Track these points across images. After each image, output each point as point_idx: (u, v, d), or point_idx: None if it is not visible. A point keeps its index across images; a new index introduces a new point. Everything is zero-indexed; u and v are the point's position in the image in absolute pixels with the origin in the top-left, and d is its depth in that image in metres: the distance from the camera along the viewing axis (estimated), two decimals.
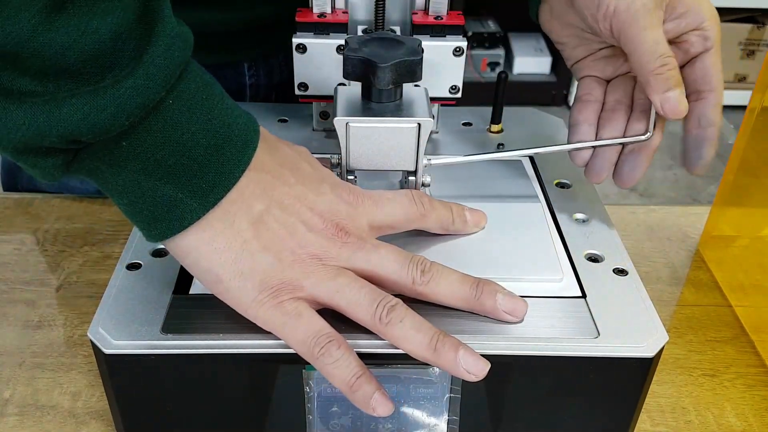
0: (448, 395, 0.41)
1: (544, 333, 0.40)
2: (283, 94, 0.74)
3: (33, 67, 0.32)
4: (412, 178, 0.47)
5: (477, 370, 0.37)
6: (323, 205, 0.40)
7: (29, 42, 0.31)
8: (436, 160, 0.48)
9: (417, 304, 0.40)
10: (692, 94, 0.47)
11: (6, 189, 0.73)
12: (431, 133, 0.50)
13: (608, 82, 0.51)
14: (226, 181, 0.37)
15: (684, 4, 0.45)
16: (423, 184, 0.48)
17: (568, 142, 0.50)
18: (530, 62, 2.58)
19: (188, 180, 0.36)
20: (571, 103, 2.70)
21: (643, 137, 0.47)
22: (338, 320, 0.39)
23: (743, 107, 0.57)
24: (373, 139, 0.44)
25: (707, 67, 0.46)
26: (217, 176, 0.37)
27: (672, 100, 0.43)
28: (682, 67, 0.47)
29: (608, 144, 0.48)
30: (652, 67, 0.43)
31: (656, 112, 0.45)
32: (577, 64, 0.52)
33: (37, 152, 0.34)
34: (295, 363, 0.38)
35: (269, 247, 0.38)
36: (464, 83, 0.54)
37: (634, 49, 0.44)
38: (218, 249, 0.38)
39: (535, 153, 0.49)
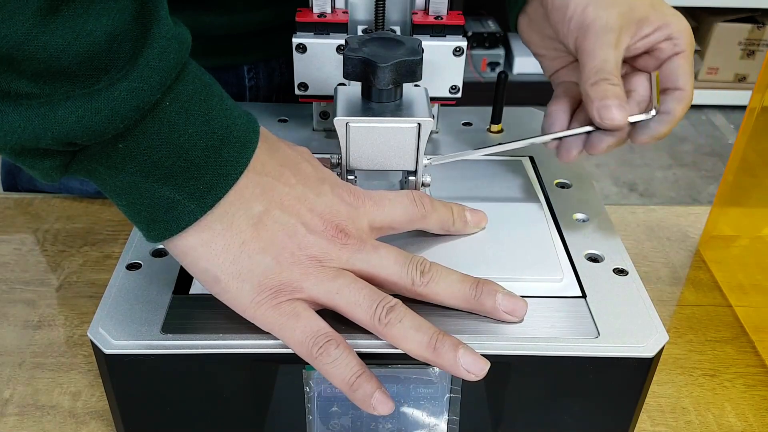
0: (448, 395, 0.41)
1: (544, 333, 0.40)
2: (283, 96, 0.74)
3: (28, 70, 0.31)
4: (412, 178, 0.47)
5: (477, 370, 0.37)
6: (323, 206, 0.40)
7: (23, 45, 0.31)
8: (437, 161, 0.48)
9: (417, 304, 0.40)
10: (660, 92, 0.48)
11: (6, 189, 0.73)
12: (431, 133, 0.50)
13: None
14: (224, 182, 0.37)
15: (652, 24, 0.47)
16: (423, 184, 0.48)
17: (543, 130, 0.50)
18: (530, 62, 2.56)
19: (186, 182, 0.36)
20: None
21: (648, 115, 0.47)
22: (338, 320, 0.39)
23: (743, 107, 0.58)
24: (373, 139, 0.44)
25: (674, 67, 0.47)
26: (215, 178, 0.37)
27: (609, 107, 0.44)
28: (652, 72, 0.48)
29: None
30: (592, 80, 0.45)
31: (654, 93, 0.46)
32: (555, 74, 0.54)
33: (34, 154, 0.34)
34: (295, 363, 0.38)
35: (268, 248, 0.38)
36: (464, 83, 0.54)
37: (584, 64, 0.46)
38: (216, 250, 0.38)
39: (531, 143, 0.49)
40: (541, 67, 0.55)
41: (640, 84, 0.49)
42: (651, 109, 0.47)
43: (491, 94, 0.58)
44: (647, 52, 0.48)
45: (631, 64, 0.49)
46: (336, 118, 0.44)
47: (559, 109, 0.50)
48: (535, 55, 0.55)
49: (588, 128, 0.47)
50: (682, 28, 0.47)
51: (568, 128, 0.49)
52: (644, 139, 0.47)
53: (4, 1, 0.30)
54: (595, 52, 0.45)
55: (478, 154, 0.50)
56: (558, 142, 0.49)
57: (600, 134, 0.47)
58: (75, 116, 0.32)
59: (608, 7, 0.46)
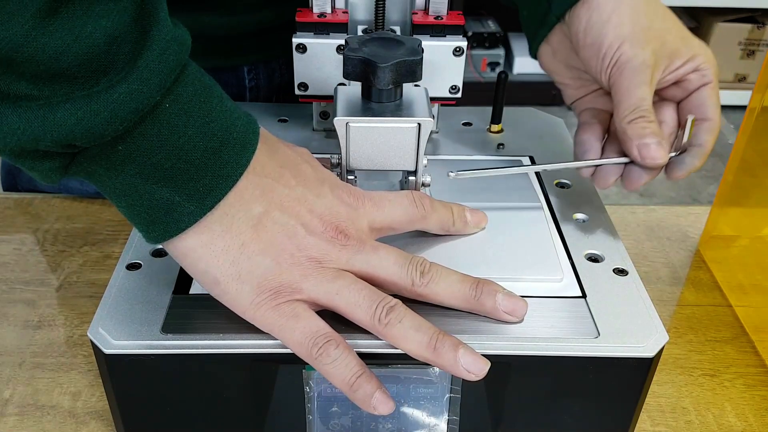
0: (448, 395, 0.41)
1: (544, 333, 0.40)
2: (283, 96, 0.74)
3: (27, 72, 0.31)
4: (412, 178, 0.47)
5: (477, 369, 0.37)
6: (323, 207, 0.40)
7: (23, 47, 0.31)
8: (468, 175, 0.48)
9: (417, 304, 0.40)
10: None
11: (6, 189, 0.73)
12: (431, 133, 0.50)
13: (610, 115, 0.52)
14: (223, 184, 0.37)
15: (682, 57, 0.47)
16: (423, 184, 0.48)
17: (576, 157, 0.50)
18: (530, 62, 2.54)
19: (185, 183, 0.36)
20: None
21: (673, 154, 0.48)
22: (338, 320, 0.39)
23: (743, 107, 0.57)
24: (373, 139, 0.44)
25: (703, 98, 0.48)
26: (215, 179, 0.37)
27: (648, 145, 0.45)
28: (680, 102, 0.49)
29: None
30: (629, 118, 0.45)
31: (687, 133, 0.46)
32: (577, 101, 0.54)
33: (33, 156, 0.34)
34: (295, 363, 0.38)
35: (267, 249, 0.38)
36: (464, 83, 0.54)
37: (620, 101, 0.46)
38: (216, 251, 0.38)
39: (568, 167, 0.50)
40: (563, 94, 0.55)
41: (668, 115, 0.49)
42: (680, 148, 0.47)
43: (491, 94, 0.58)
44: (675, 83, 0.48)
45: (658, 94, 0.49)
46: (336, 118, 0.44)
47: (591, 138, 0.50)
48: (558, 84, 0.55)
49: (625, 159, 0.47)
50: (709, 58, 0.48)
51: (602, 155, 0.49)
52: (680, 174, 0.48)
53: (3, 3, 0.30)
54: (631, 90, 0.46)
55: (508, 171, 0.50)
56: (593, 169, 0.49)
57: (639, 171, 0.47)
58: (74, 118, 0.32)
59: (643, 44, 0.46)
